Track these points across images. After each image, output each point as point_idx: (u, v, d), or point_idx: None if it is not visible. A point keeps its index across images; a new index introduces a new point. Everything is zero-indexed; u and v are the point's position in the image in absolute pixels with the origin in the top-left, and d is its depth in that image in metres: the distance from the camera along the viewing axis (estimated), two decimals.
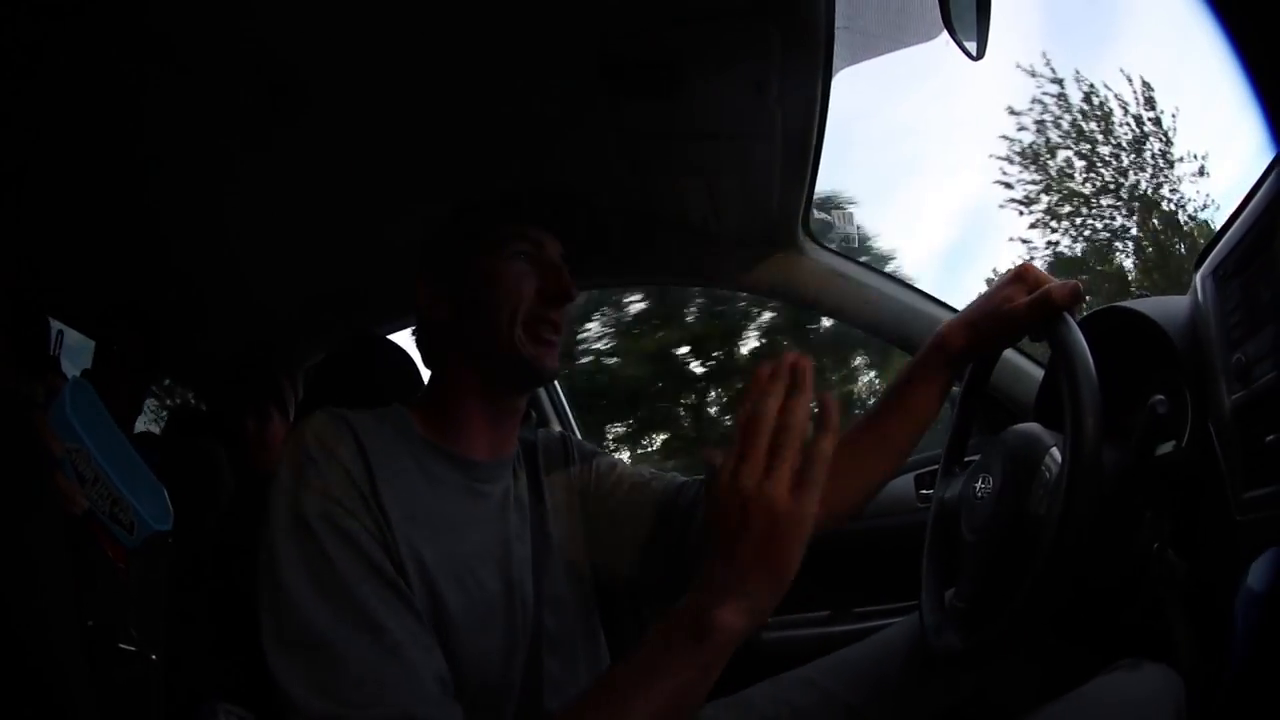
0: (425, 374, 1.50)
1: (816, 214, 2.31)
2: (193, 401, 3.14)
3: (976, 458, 1.43)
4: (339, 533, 1.04)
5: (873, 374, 10.32)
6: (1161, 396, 1.20)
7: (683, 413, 10.80)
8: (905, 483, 2.20)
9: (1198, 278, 1.25)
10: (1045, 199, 14.73)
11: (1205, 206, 13.17)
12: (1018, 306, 1.26)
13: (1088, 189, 14.35)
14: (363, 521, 1.06)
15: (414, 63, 1.61)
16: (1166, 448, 1.22)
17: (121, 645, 1.29)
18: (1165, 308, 1.31)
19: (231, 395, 2.75)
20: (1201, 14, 0.72)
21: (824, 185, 2.15)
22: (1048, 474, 1.23)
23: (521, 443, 1.40)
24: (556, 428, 2.73)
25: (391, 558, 1.07)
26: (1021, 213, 14.80)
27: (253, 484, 1.98)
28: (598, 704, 0.94)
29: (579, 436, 1.59)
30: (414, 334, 1.41)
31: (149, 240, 2.18)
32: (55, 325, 2.34)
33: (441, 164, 1.91)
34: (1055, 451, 1.25)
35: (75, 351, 2.50)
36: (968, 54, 1.46)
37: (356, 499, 1.07)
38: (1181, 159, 13.58)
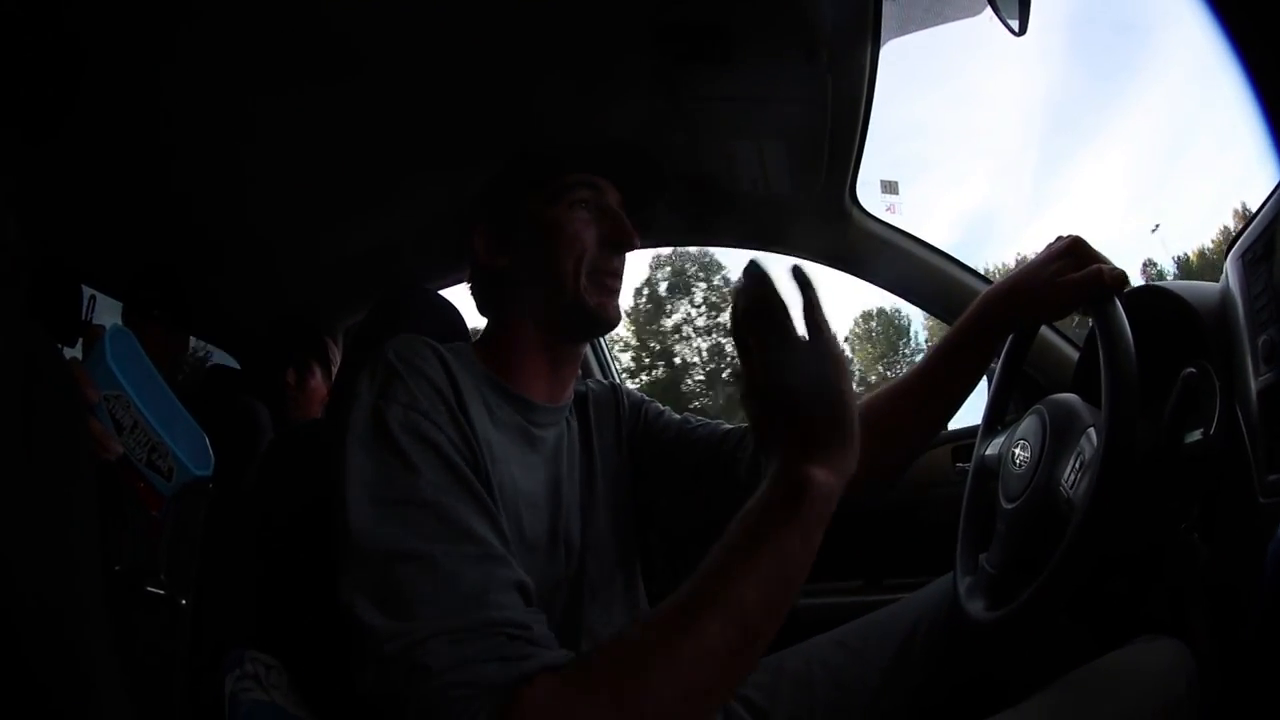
0: (471, 323, 1.57)
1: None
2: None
3: (1017, 422, 1.47)
4: (425, 442, 1.03)
5: None
6: (1193, 369, 1.24)
7: None
8: (941, 455, 2.28)
9: (1227, 261, 1.28)
10: None
11: None
12: (1069, 281, 1.29)
13: None
14: (449, 434, 1.06)
15: (464, 23, 1.66)
16: (1195, 435, 1.23)
17: (150, 589, 1.33)
18: (1198, 291, 1.34)
19: (273, 349, 2.86)
20: (1208, 27, 0.78)
21: None
22: (1083, 452, 1.26)
23: (574, 393, 1.44)
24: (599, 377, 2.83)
25: (478, 472, 1.07)
26: None
27: (291, 437, 2.07)
28: (709, 577, 0.91)
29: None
30: (469, 282, 1.45)
31: (187, 204, 2.25)
32: (87, 291, 2.46)
33: (489, 126, 1.93)
34: (1092, 433, 1.28)
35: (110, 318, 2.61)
36: (1010, 29, 1.49)
37: (443, 411, 1.08)
38: None
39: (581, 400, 1.49)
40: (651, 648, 0.88)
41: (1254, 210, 1.23)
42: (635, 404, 1.56)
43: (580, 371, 1.47)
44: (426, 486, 1.00)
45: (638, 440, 1.52)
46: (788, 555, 0.92)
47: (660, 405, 1.59)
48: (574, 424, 1.43)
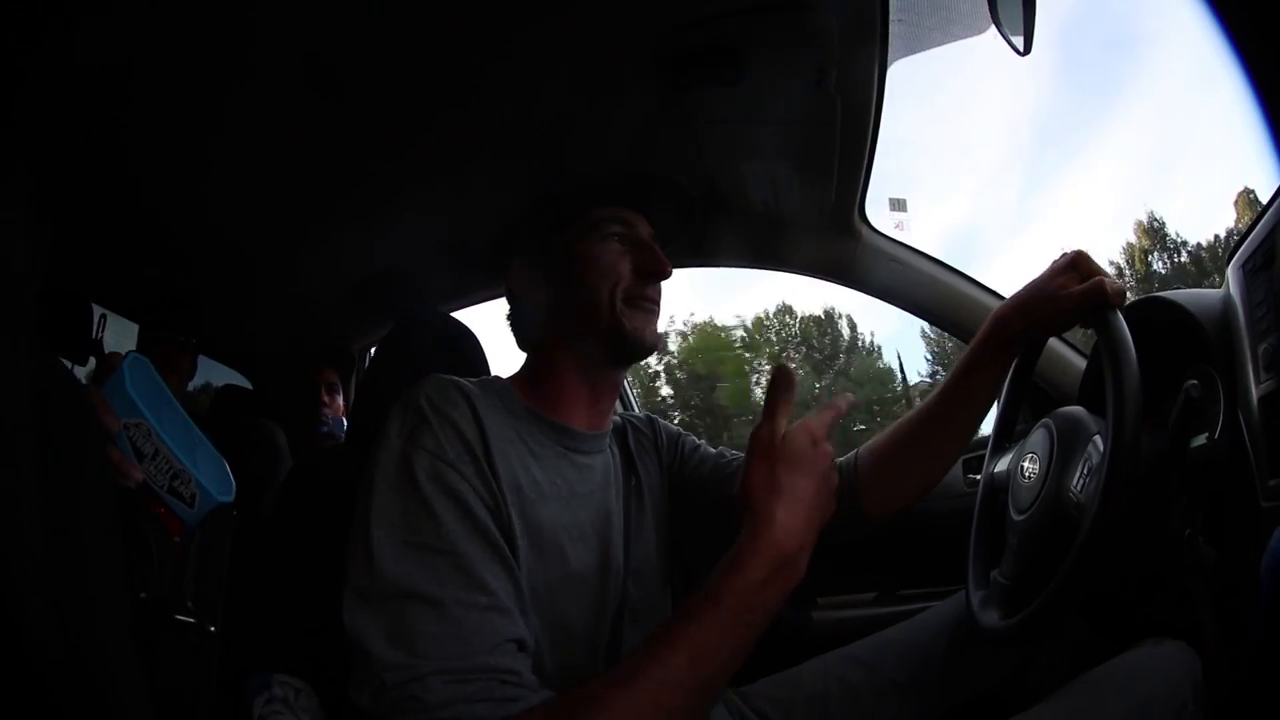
0: (489, 349, 1.60)
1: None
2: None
3: (1026, 436, 1.51)
4: (448, 492, 1.09)
5: None
6: (1195, 380, 1.27)
7: None
8: (953, 468, 2.26)
9: (1229, 270, 1.31)
10: None
11: None
12: (1072, 294, 1.31)
13: None
14: (473, 484, 1.11)
15: (474, 47, 1.68)
16: (1200, 440, 1.27)
17: (178, 617, 1.34)
18: (1199, 300, 1.37)
19: (304, 369, 2.92)
20: (1209, 30, 0.80)
21: None
22: (1090, 459, 1.30)
23: (615, 424, 1.47)
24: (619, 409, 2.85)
25: (500, 523, 1.12)
26: None
27: (312, 464, 2.10)
28: (674, 625, 0.99)
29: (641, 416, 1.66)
30: (509, 317, 1.47)
31: (197, 225, 2.28)
32: (98, 310, 2.49)
33: (493, 151, 2.00)
34: (1098, 440, 1.32)
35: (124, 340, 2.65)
36: (1014, 48, 1.52)
37: (469, 462, 1.12)
38: None
39: (623, 431, 1.52)
40: (612, 696, 0.94)
41: (1253, 219, 1.26)
42: (673, 437, 1.60)
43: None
44: (446, 535, 1.06)
45: (676, 471, 1.55)
46: (734, 650, 0.99)
47: (696, 439, 1.62)
48: (617, 453, 1.46)
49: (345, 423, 2.95)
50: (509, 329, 1.48)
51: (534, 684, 1.02)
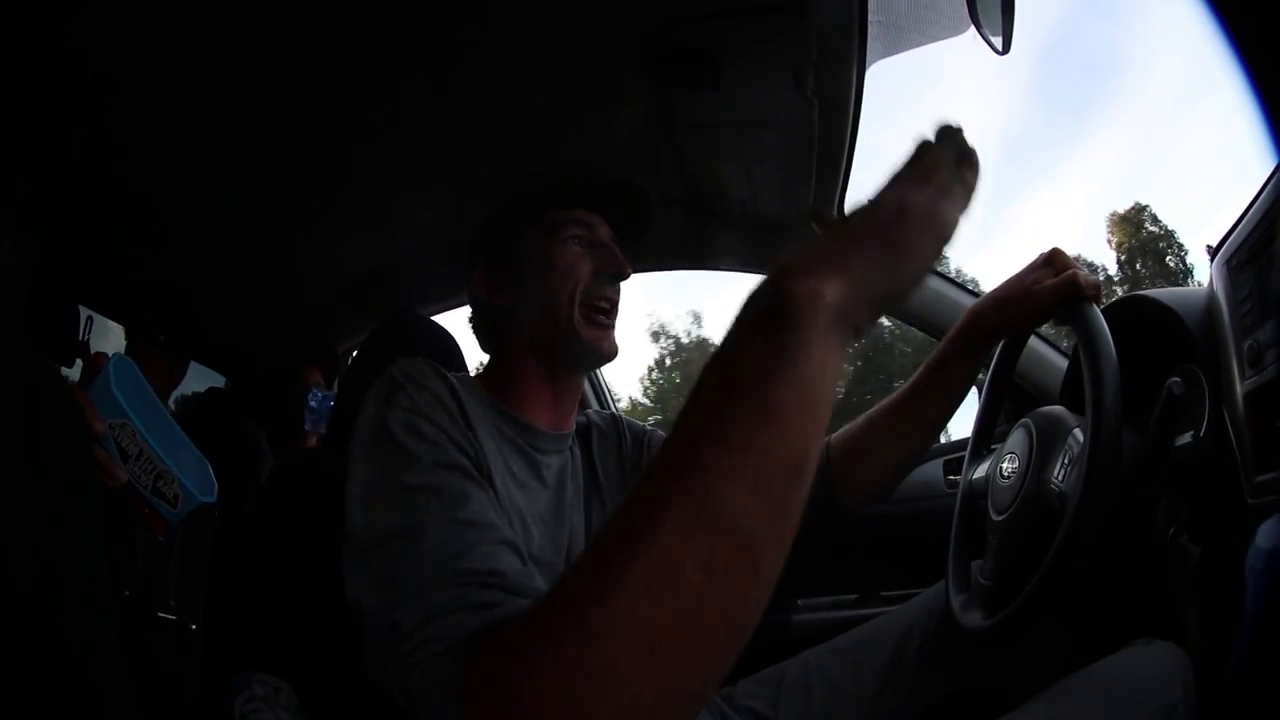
0: (468, 352, 1.59)
1: None
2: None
3: (1004, 441, 1.49)
4: (422, 438, 1.04)
5: None
6: (1178, 378, 1.25)
7: None
8: (933, 468, 2.29)
9: (1213, 266, 1.31)
10: None
11: None
12: (1045, 288, 1.33)
13: None
14: (449, 433, 1.07)
15: (455, 47, 1.68)
16: (1185, 438, 1.27)
17: (160, 614, 1.32)
18: (1183, 297, 1.36)
19: (290, 371, 2.87)
20: (1203, 19, 0.78)
21: None
22: (1070, 450, 1.28)
23: (577, 423, 1.46)
24: (596, 407, 2.83)
25: (481, 471, 1.08)
26: None
27: (292, 465, 2.08)
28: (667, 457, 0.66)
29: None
30: (470, 321, 1.49)
31: (185, 228, 2.27)
32: (85, 312, 2.46)
33: (479, 150, 1.99)
34: (1078, 432, 1.30)
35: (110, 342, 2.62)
36: (993, 48, 1.52)
37: (445, 416, 1.09)
38: None
39: (585, 431, 1.51)
40: (608, 568, 0.63)
41: (1238, 215, 1.25)
42: (638, 435, 1.58)
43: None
44: (422, 471, 1.00)
45: (641, 469, 1.52)
46: (770, 394, 0.64)
47: (663, 434, 1.56)
48: (578, 453, 1.45)
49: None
50: (471, 332, 1.49)
51: (521, 587, 0.86)
